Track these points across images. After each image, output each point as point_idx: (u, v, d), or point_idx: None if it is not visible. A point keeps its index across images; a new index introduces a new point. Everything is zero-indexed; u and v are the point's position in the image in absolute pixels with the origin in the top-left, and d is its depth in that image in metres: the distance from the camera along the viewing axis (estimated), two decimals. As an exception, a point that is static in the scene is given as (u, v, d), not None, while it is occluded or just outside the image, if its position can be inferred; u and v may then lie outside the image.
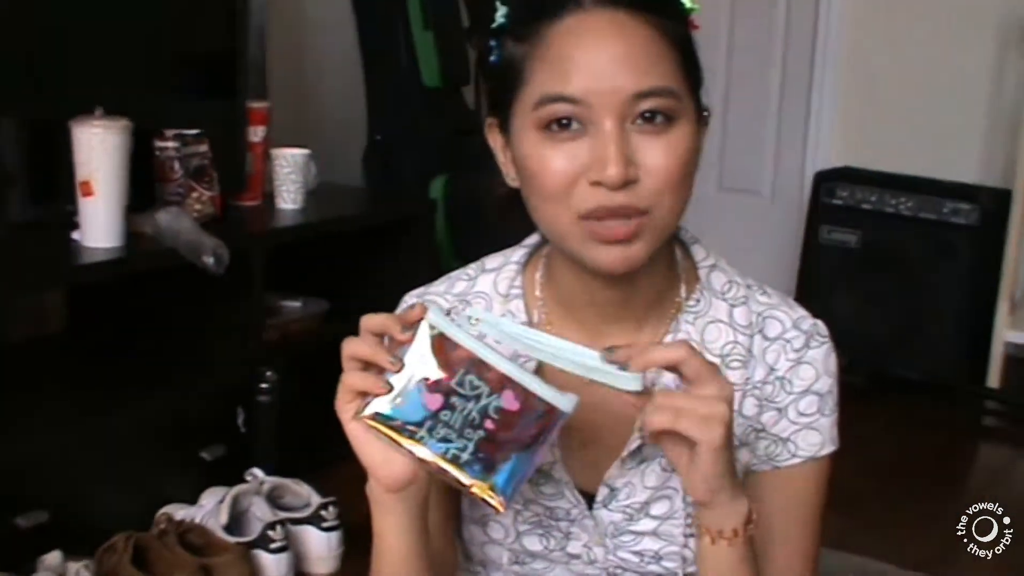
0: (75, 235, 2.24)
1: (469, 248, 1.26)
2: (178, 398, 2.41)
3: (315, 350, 2.02)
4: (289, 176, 2.67)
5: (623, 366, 0.94)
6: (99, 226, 2.21)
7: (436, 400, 0.93)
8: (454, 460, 0.93)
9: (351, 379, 0.95)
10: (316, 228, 2.70)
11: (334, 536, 2.30)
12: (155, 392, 2.39)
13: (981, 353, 3.32)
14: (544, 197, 1.01)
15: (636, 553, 1.11)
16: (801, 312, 1.13)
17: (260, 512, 2.24)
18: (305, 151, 2.71)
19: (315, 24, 3.39)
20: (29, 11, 2.32)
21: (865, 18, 3.85)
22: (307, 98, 3.35)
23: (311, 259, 2.80)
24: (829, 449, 1.12)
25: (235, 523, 2.23)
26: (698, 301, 1.11)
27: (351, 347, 0.95)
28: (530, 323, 1.12)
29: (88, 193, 2.18)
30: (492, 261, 1.18)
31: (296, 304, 2.76)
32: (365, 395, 0.94)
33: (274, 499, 2.32)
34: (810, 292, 3.49)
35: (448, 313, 0.95)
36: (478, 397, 0.93)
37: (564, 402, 0.94)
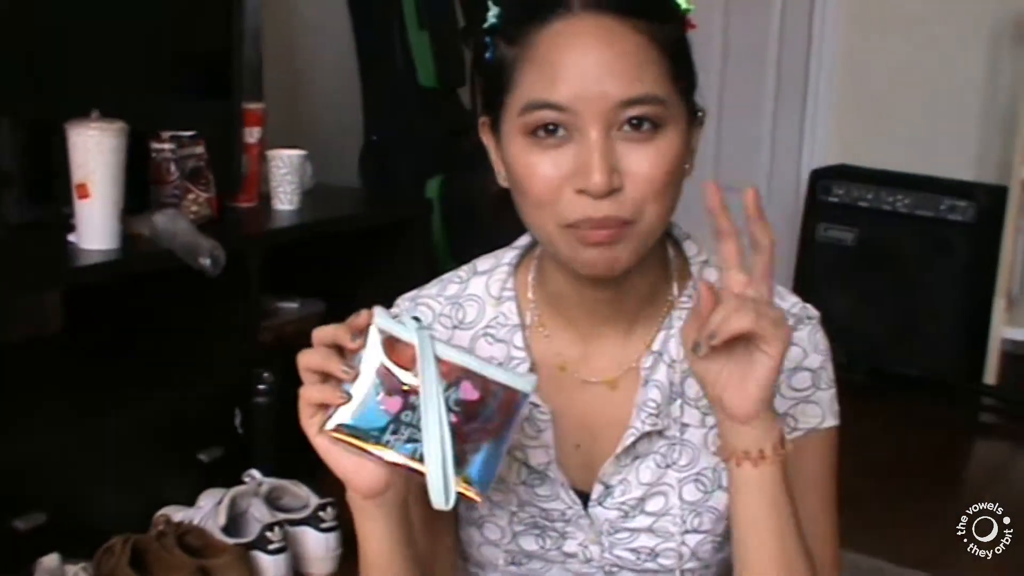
0: (72, 237, 2.24)
1: (465, 248, 1.25)
2: (175, 400, 2.41)
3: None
4: (285, 177, 2.67)
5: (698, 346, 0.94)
6: (95, 228, 2.21)
7: (395, 403, 0.93)
8: (423, 459, 0.92)
9: (309, 393, 0.94)
10: (312, 229, 2.70)
11: (332, 537, 2.30)
12: (153, 394, 2.39)
13: (978, 350, 3.33)
14: (531, 203, 1.01)
15: (632, 550, 1.11)
16: (792, 299, 1.12)
17: (258, 513, 2.24)
18: (301, 152, 2.72)
19: (310, 25, 3.39)
20: (26, 12, 2.32)
21: (860, 16, 3.86)
22: (303, 99, 3.35)
23: (307, 260, 2.80)
24: (831, 423, 1.11)
25: (233, 524, 2.23)
26: (690, 297, 1.11)
27: (304, 359, 0.95)
28: (523, 325, 1.12)
29: (84, 195, 2.18)
30: (484, 263, 1.17)
31: (293, 305, 2.76)
32: (327, 407, 0.94)
33: (272, 500, 2.32)
34: (807, 290, 3.49)
35: (395, 318, 0.94)
36: None
37: (523, 383, 0.95)
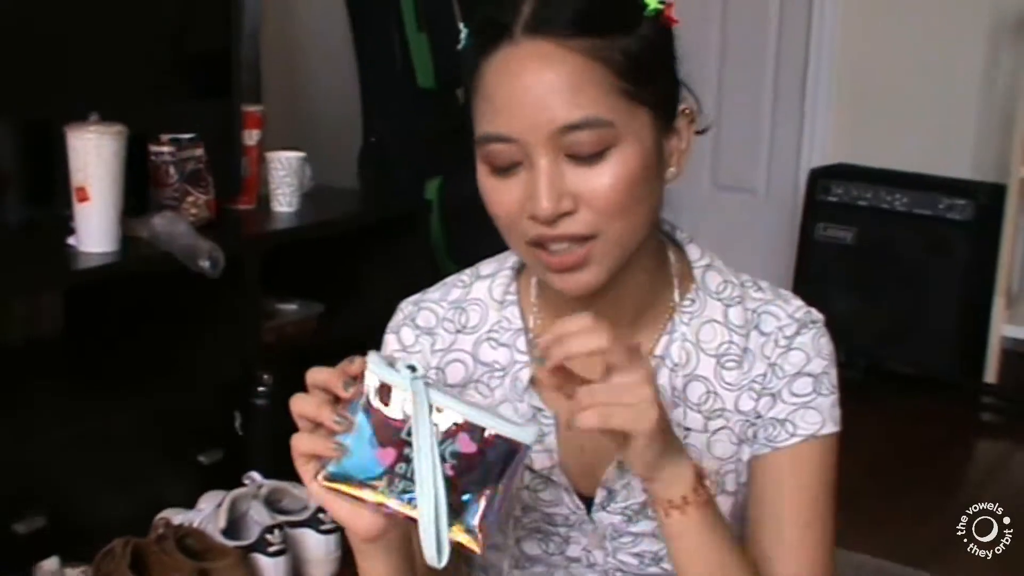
0: (71, 240, 2.24)
1: (464, 249, 1.25)
2: (175, 402, 2.41)
3: (312, 352, 2.01)
4: (284, 179, 2.67)
5: (541, 359, 0.92)
6: (95, 231, 2.21)
7: (389, 454, 0.90)
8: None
9: (300, 443, 0.94)
10: (311, 230, 2.70)
11: (332, 539, 2.30)
12: (152, 396, 2.39)
13: (978, 348, 3.33)
14: (499, 225, 1.03)
15: (635, 555, 1.11)
16: (796, 303, 1.12)
17: (258, 516, 2.24)
18: (300, 154, 2.71)
19: (309, 27, 3.39)
20: (24, 15, 2.32)
21: (859, 14, 3.85)
22: (302, 101, 3.34)
23: (307, 261, 2.80)
24: (830, 429, 1.10)
25: (233, 527, 2.23)
26: (693, 301, 1.11)
27: (297, 406, 0.94)
28: (526, 329, 1.12)
29: (84, 199, 2.18)
30: (487, 267, 1.18)
31: (292, 306, 2.76)
32: (320, 456, 0.92)
33: (272, 502, 2.32)
34: (806, 289, 3.47)
35: (392, 365, 0.91)
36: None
37: (525, 435, 0.91)
